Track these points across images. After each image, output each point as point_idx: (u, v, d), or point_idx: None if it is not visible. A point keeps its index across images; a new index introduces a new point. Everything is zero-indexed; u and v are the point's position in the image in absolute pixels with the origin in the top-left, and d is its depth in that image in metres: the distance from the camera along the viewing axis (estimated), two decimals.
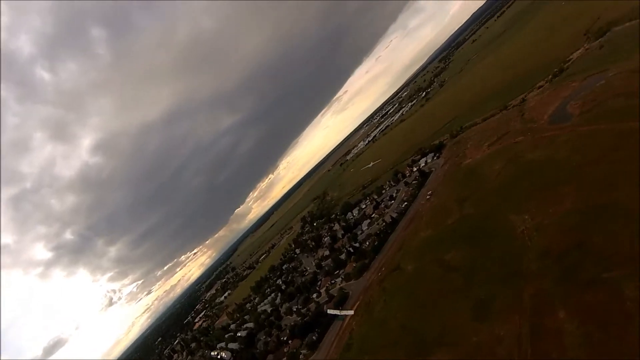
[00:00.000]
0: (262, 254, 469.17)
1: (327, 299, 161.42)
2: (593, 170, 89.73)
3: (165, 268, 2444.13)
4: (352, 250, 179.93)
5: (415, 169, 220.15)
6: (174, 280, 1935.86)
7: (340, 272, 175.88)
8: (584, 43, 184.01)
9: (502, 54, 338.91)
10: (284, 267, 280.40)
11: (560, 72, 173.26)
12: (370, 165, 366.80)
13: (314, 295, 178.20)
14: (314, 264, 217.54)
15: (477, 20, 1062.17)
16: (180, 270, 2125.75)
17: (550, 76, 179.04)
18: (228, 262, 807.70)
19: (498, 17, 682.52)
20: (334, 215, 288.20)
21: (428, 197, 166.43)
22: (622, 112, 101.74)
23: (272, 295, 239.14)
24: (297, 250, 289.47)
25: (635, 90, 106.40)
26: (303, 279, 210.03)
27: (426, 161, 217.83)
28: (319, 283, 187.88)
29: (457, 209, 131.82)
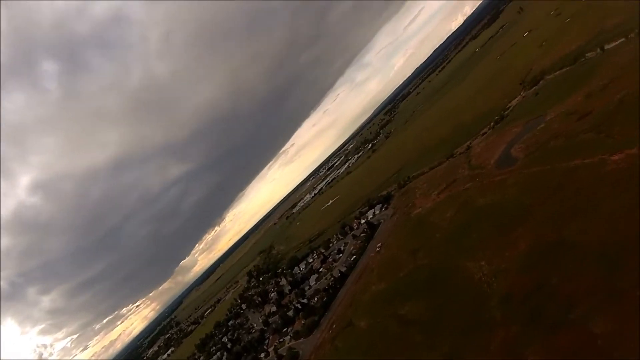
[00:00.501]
0: (208, 309, 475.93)
1: (275, 359, 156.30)
2: (543, 210, 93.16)
3: (104, 321, 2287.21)
4: (300, 307, 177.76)
5: (363, 221, 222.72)
6: (114, 334, 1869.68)
7: (289, 330, 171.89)
8: (520, 91, 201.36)
9: (445, 105, 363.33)
10: (229, 324, 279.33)
11: (502, 119, 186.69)
12: (330, 202, 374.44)
13: (262, 355, 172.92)
14: (260, 320, 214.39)
15: (420, 75, 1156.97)
16: (121, 323, 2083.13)
17: (492, 123, 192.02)
18: (172, 316, 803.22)
19: (439, 71, 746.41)
20: (280, 270, 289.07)
21: (378, 249, 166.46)
22: (563, 152, 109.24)
23: (218, 354, 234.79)
24: (244, 306, 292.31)
25: (573, 130, 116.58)
26: (250, 337, 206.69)
27: (374, 213, 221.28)
28: (266, 341, 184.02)
29: (410, 259, 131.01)
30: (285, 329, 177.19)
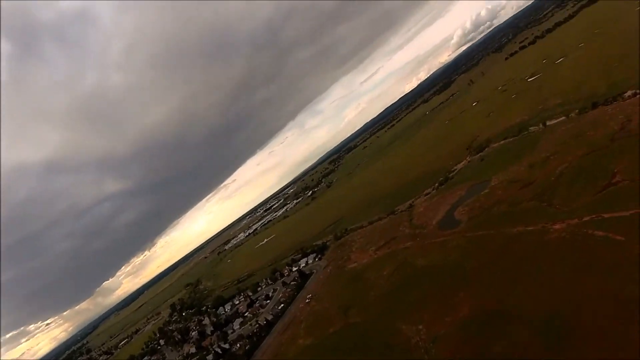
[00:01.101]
0: (124, 339, 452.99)
1: None
2: (486, 275, 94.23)
3: (7, 336, 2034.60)
4: (220, 352, 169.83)
5: (295, 269, 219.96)
6: (15, 353, 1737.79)
7: None
8: (466, 156, 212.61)
9: (390, 162, 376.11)
10: None
11: (446, 180, 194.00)
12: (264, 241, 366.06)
13: None
14: None
15: (369, 130, 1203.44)
16: (25, 341, 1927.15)
17: (437, 184, 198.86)
18: (84, 341, 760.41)
19: (389, 129, 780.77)
20: (205, 308, 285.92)
21: (308, 300, 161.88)
22: (507, 218, 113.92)
23: None
24: (162, 342, 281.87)
25: (516, 198, 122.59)
26: None
27: (307, 262, 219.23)
28: None
29: (340, 316, 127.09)
30: None
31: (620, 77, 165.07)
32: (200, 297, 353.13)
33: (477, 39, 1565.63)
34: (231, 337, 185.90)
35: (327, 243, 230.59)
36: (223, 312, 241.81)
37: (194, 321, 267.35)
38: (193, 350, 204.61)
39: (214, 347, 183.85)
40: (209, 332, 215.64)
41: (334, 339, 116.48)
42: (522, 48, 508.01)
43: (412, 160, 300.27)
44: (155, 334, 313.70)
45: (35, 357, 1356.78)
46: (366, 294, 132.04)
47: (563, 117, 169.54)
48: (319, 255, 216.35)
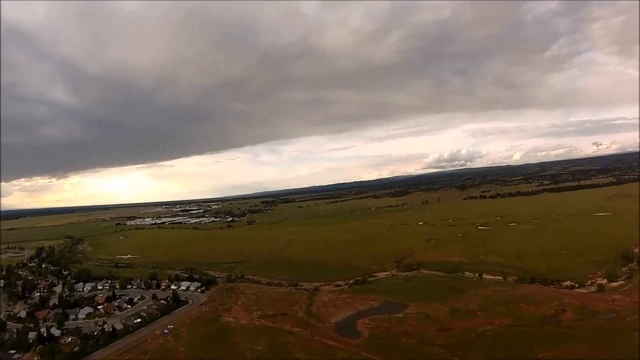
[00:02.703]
0: None
1: None
2: None
3: None
4: (46, 337, 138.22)
5: (173, 287, 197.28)
6: None
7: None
8: (393, 268, 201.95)
9: (316, 234, 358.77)
10: None
11: (363, 282, 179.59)
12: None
13: None
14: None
15: (312, 193, 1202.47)
16: None
17: (351, 281, 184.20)
18: None
19: (331, 202, 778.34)
20: (67, 273, 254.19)
21: (166, 331, 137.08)
22: (410, 355, 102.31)
23: None
24: (1, 282, 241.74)
25: (429, 337, 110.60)
26: None
27: (189, 287, 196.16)
28: None
29: None
30: (14, 354, 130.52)
31: (563, 266, 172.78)
32: (71, 258, 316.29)
33: (446, 169, 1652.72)
34: (68, 324, 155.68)
35: (218, 279, 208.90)
36: (80, 289, 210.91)
37: (47, 281, 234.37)
38: (22, 314, 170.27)
39: (44, 324, 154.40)
40: (51, 304, 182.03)
41: None
42: (482, 196, 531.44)
43: (337, 245, 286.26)
44: (9, 270, 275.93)
45: None
46: (227, 356, 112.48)
47: (500, 277, 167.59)
48: (204, 288, 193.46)
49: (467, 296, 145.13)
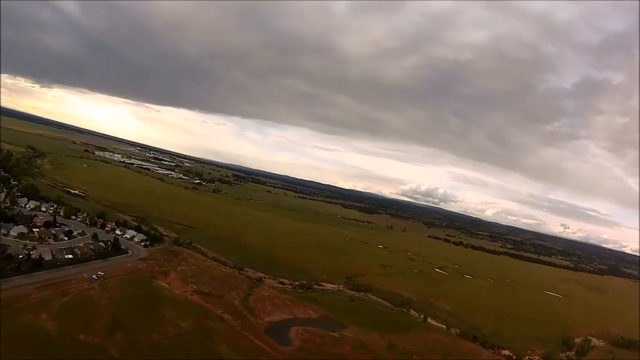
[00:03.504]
0: None
1: None
2: None
3: None
4: None
5: (117, 232, 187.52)
6: None
7: None
8: (342, 283, 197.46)
9: (276, 223, 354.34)
10: None
11: (308, 289, 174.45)
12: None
13: None
14: None
15: (285, 183, 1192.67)
16: None
17: (297, 283, 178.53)
18: None
19: (299, 197, 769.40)
20: (15, 184, 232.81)
21: (95, 277, 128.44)
22: None
23: None
24: None
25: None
26: None
27: (134, 237, 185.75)
28: None
29: (104, 330, 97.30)
30: None
31: (506, 333, 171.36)
32: (25, 170, 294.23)
33: (419, 202, 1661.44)
34: None
35: (165, 238, 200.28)
36: (22, 205, 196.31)
37: None
38: None
39: None
40: None
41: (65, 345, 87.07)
42: (446, 239, 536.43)
43: (293, 242, 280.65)
44: None
45: None
46: (150, 325, 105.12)
47: (444, 326, 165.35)
48: (148, 243, 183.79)
49: (408, 336, 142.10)
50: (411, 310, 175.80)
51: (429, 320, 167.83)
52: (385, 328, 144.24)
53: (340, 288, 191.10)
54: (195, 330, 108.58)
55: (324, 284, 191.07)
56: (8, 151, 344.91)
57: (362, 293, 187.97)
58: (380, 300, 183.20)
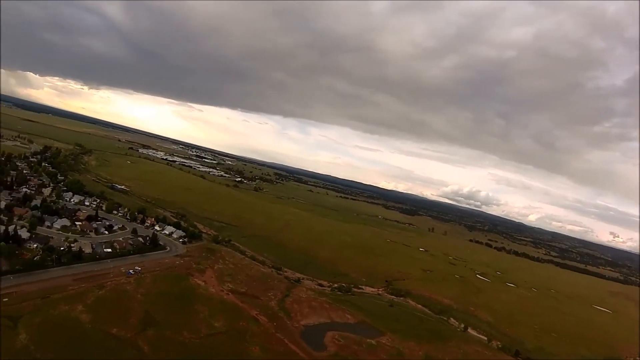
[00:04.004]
0: None
1: None
2: None
3: None
4: (12, 234, 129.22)
5: (156, 228, 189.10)
6: None
7: None
8: (381, 286, 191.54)
9: (317, 222, 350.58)
10: None
11: (347, 292, 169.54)
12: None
13: None
14: None
15: (325, 182, 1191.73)
16: None
17: (336, 286, 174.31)
18: None
19: (341, 196, 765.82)
20: (62, 179, 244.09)
21: (132, 271, 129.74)
22: None
23: None
24: None
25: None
26: None
27: (172, 233, 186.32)
28: None
29: (137, 324, 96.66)
30: None
31: (550, 349, 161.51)
32: (72, 166, 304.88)
33: (461, 204, 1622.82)
34: (41, 230, 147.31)
35: (204, 235, 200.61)
36: (67, 199, 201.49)
37: (40, 181, 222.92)
38: (1, 205, 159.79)
39: (18, 221, 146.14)
40: (33, 204, 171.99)
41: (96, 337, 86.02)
42: (487, 244, 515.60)
43: (333, 242, 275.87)
44: (9, 158, 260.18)
45: None
46: (182, 323, 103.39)
47: (485, 338, 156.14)
48: (187, 239, 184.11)
49: (447, 346, 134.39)
50: (451, 319, 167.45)
51: (469, 330, 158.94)
52: (424, 337, 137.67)
53: (380, 292, 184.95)
54: (228, 331, 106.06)
55: (363, 287, 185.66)
56: (57, 148, 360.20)
57: (401, 298, 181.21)
58: (419, 306, 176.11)
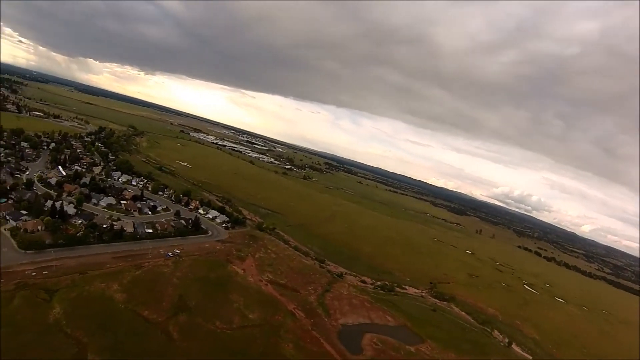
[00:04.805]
0: (42, 114, 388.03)
1: None
2: None
3: None
4: (59, 209, 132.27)
5: (200, 212, 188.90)
6: None
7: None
8: (425, 288, 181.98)
9: (365, 215, 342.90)
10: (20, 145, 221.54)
11: (390, 291, 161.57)
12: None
13: None
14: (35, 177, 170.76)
15: (376, 175, 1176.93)
16: None
17: (378, 283, 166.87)
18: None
19: (391, 190, 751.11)
20: (113, 158, 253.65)
21: (171, 254, 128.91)
22: None
23: None
24: (52, 146, 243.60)
25: None
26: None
27: (215, 217, 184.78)
28: None
29: (171, 307, 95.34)
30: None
31: None
32: (123, 147, 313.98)
33: (510, 207, 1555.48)
34: (87, 206, 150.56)
35: (247, 222, 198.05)
36: (115, 178, 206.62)
37: (91, 160, 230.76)
38: (53, 181, 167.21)
39: (66, 197, 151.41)
40: (82, 182, 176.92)
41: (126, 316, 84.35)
42: (537, 253, 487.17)
43: (379, 238, 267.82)
44: (65, 137, 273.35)
45: None
46: (215, 311, 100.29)
47: (529, 357, 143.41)
48: (230, 224, 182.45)
49: (488, 356, 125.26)
50: (495, 331, 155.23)
51: (513, 346, 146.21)
52: (465, 348, 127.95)
53: (423, 294, 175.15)
54: (262, 324, 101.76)
55: (406, 287, 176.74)
56: (111, 129, 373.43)
57: (444, 303, 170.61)
58: (463, 313, 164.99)
